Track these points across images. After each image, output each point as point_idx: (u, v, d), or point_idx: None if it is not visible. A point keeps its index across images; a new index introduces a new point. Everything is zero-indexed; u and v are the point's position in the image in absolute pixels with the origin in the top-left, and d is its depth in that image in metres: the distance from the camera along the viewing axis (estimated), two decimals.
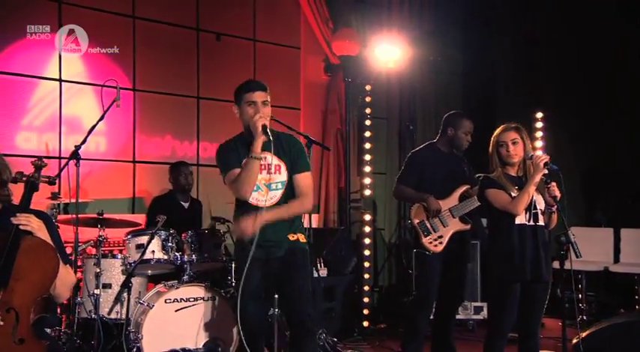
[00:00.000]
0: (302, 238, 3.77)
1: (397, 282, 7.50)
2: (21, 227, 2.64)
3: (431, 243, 4.76)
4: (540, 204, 3.89)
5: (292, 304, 3.71)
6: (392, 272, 7.67)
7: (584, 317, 6.76)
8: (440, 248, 4.74)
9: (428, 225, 4.78)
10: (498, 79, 8.39)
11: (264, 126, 3.51)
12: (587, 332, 4.94)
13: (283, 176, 3.70)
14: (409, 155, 5.09)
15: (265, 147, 3.59)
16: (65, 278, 2.77)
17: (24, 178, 2.87)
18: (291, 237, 3.73)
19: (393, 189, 5.08)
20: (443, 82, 8.12)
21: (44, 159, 2.99)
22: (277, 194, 3.69)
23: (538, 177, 3.78)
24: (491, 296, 4.05)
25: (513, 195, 3.83)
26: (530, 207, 3.84)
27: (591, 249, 7.21)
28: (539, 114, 7.73)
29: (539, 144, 7.71)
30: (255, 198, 3.65)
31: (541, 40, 8.13)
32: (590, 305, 7.12)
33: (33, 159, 2.96)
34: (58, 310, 4.96)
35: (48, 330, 2.97)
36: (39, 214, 2.79)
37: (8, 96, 5.68)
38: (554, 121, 7.83)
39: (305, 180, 3.73)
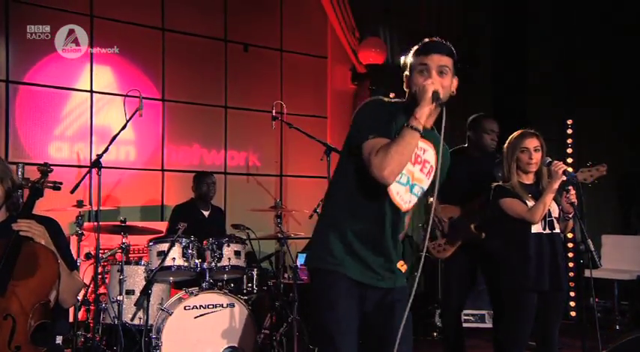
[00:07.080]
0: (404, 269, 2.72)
1: (425, 290, 7.43)
2: (21, 233, 2.59)
3: (434, 248, 4.63)
4: (555, 212, 3.81)
5: None
6: (420, 280, 7.60)
7: (618, 327, 6.63)
8: (444, 254, 4.59)
9: (438, 230, 4.63)
10: (529, 85, 8.28)
11: (435, 93, 2.46)
12: (615, 344, 4.84)
13: (427, 183, 2.68)
14: None
15: (428, 136, 2.60)
16: (70, 284, 2.74)
17: (29, 184, 2.86)
18: (402, 268, 2.68)
19: None
20: (471, 90, 8.03)
21: (51, 166, 2.97)
22: (414, 201, 2.66)
23: (556, 185, 3.67)
24: (507, 308, 3.90)
25: (529, 203, 3.75)
26: (546, 215, 3.75)
27: (625, 257, 7.10)
28: (570, 121, 7.62)
29: (570, 150, 7.59)
30: (395, 189, 2.58)
31: (572, 45, 8.01)
32: (624, 315, 6.97)
33: (39, 166, 2.94)
34: (85, 315, 5.11)
35: (59, 338, 2.93)
36: (45, 220, 2.75)
37: (41, 107, 5.88)
38: (586, 127, 7.69)
39: None
